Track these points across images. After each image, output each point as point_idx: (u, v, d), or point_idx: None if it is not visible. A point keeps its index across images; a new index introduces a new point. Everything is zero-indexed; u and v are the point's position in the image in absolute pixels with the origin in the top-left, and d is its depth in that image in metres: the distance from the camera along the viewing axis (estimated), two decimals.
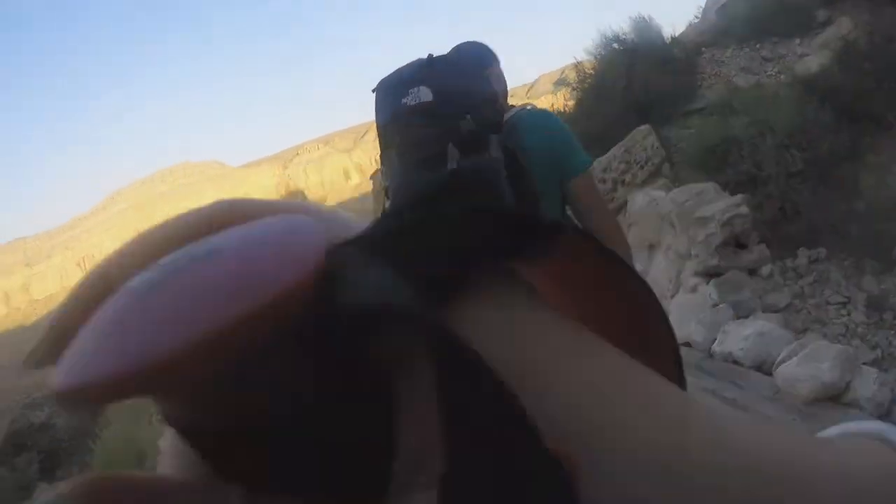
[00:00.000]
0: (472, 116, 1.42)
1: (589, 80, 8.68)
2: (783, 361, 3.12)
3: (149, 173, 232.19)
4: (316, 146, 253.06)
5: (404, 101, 1.46)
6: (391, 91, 1.50)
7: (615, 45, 8.45)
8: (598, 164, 5.75)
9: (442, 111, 1.43)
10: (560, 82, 12.86)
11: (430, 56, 1.52)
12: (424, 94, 1.44)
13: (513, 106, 1.70)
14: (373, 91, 1.55)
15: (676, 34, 9.07)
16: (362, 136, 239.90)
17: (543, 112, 1.80)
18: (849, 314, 4.06)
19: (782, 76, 7.04)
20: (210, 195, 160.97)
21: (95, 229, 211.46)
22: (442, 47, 1.78)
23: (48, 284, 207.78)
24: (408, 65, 1.52)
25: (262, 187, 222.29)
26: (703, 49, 8.27)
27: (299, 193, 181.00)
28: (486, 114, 1.44)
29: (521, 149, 1.49)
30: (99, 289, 0.17)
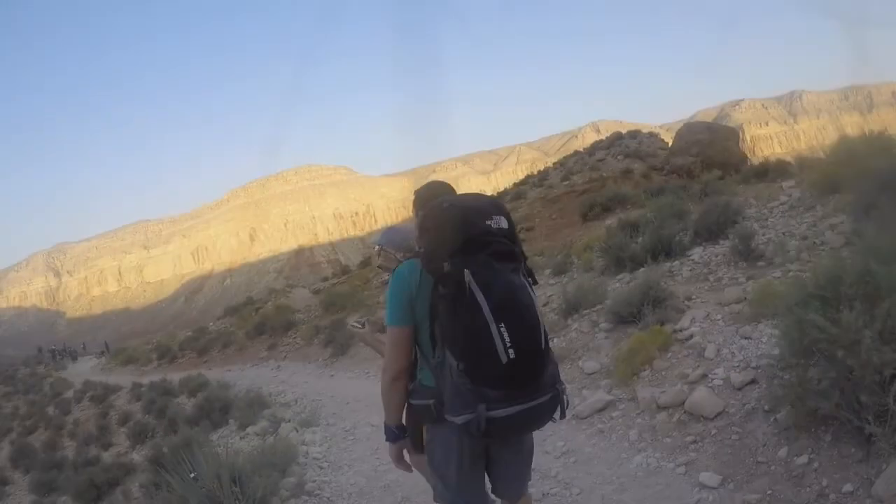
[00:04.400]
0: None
1: None
2: None
3: (277, 171, 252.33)
4: (454, 165, 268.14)
5: (489, 223, 2.54)
6: (473, 213, 2.55)
7: None
8: None
9: (512, 236, 2.63)
10: None
11: (495, 196, 4.96)
12: (504, 222, 2.60)
13: None
14: (423, 197, 3.12)
15: None
16: (504, 160, 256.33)
17: None
18: None
19: None
20: (330, 200, 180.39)
21: (213, 221, 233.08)
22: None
23: (161, 269, 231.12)
24: (479, 197, 2.76)
25: (388, 199, 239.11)
26: None
27: None
28: None
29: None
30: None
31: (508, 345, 2.37)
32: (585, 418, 6.18)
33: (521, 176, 78.58)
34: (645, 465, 4.96)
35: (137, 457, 12.97)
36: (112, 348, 47.62)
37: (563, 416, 2.69)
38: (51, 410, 27.39)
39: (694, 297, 7.69)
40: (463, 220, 2.51)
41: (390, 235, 3.60)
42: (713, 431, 4.87)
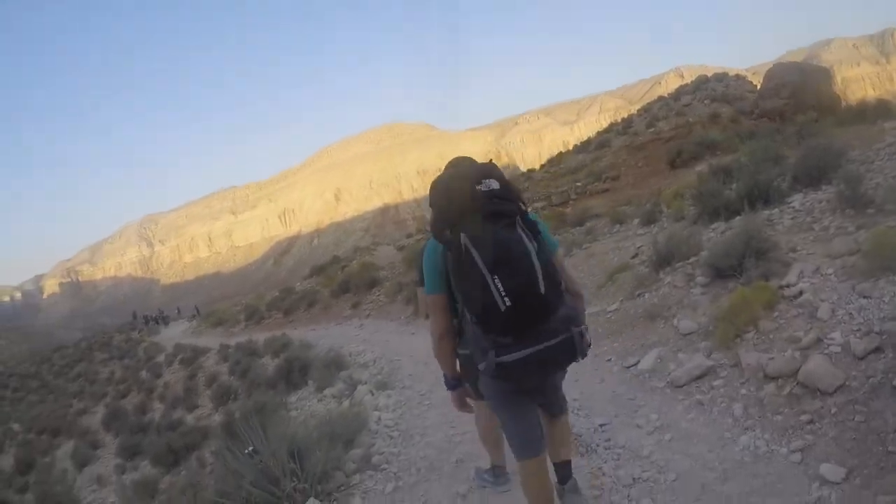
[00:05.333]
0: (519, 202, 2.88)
1: None
2: None
3: (359, 132, 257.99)
4: (536, 116, 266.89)
5: (478, 188, 2.79)
6: (460, 181, 2.86)
7: None
8: None
9: (505, 194, 2.84)
10: None
11: (491, 161, 3.08)
12: (494, 184, 2.83)
13: None
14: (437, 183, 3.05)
15: None
16: (586, 109, 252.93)
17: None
18: None
19: None
20: (413, 157, 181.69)
21: (298, 184, 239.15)
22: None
23: (249, 233, 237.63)
24: (472, 165, 3.12)
25: (471, 153, 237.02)
26: None
27: (512, 166, 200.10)
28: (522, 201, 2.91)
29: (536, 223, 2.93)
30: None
31: (503, 294, 2.65)
32: (682, 387, 5.36)
33: (604, 125, 76.81)
34: (752, 449, 4.14)
35: (218, 419, 12.77)
36: (203, 311, 48.91)
37: (583, 355, 2.91)
38: (143, 374, 28.15)
39: (798, 248, 6.69)
40: (451, 189, 2.89)
41: None
42: (832, 410, 4.00)
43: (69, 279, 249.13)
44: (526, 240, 2.77)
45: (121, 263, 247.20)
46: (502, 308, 2.65)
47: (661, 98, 51.75)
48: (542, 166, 44.63)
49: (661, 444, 4.65)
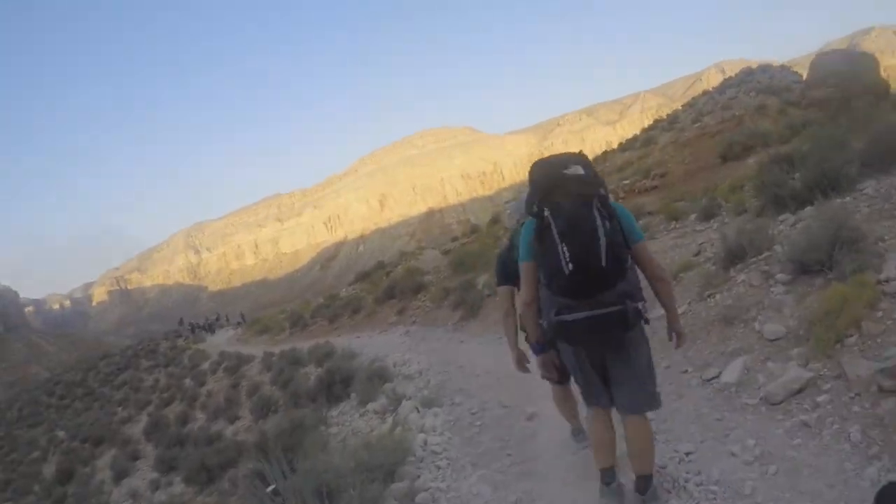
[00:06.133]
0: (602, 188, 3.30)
1: None
2: None
3: (402, 137, 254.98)
4: (578, 117, 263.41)
5: (565, 171, 3.31)
6: (550, 167, 3.42)
7: None
8: None
9: (587, 178, 3.31)
10: None
11: (581, 153, 3.64)
12: (579, 170, 3.32)
13: None
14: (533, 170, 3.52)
15: None
16: (628, 108, 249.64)
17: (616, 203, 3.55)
18: None
19: None
20: (457, 161, 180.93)
21: (343, 190, 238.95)
22: None
23: (295, 239, 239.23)
24: (564, 154, 3.50)
25: (514, 156, 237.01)
26: None
27: None
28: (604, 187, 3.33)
29: (615, 210, 3.36)
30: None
31: (568, 259, 3.15)
32: (779, 404, 4.53)
33: (647, 123, 75.25)
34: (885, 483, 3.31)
35: (254, 436, 12.21)
36: (249, 318, 48.50)
37: (630, 327, 3.34)
38: (187, 382, 28.06)
39: (886, 237, 5.84)
40: (542, 173, 3.46)
41: (514, 206, 4.74)
42: None
43: (118, 287, 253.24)
44: (598, 218, 3.18)
45: (169, 271, 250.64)
46: (566, 272, 3.14)
47: (705, 93, 50.58)
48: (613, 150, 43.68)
49: (765, 479, 3.85)
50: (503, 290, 4.66)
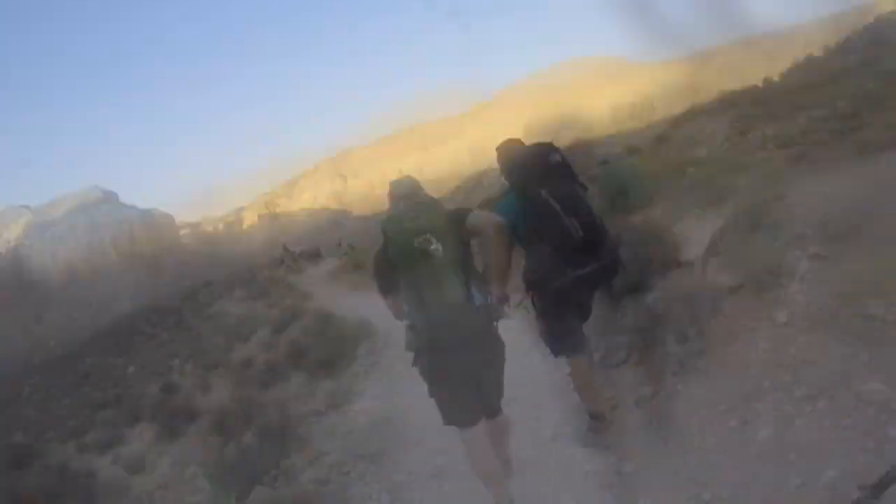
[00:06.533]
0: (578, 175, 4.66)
1: None
2: None
3: (545, 66, 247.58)
4: (736, 49, 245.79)
5: (549, 158, 4.52)
6: (539, 156, 4.57)
7: None
8: None
9: (566, 164, 4.59)
10: None
11: (552, 143, 4.80)
12: (558, 157, 4.56)
13: None
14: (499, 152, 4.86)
15: None
16: (792, 41, 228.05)
17: None
18: None
19: None
20: (608, 91, 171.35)
21: (488, 120, 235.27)
22: None
23: (440, 168, 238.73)
24: (541, 145, 4.73)
25: (668, 87, 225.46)
26: None
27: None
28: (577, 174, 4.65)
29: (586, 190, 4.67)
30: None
31: (578, 228, 4.23)
32: None
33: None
34: None
35: None
36: (357, 249, 42.42)
37: (624, 269, 4.86)
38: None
39: None
40: (530, 161, 4.55)
41: (391, 189, 4.25)
42: None
43: (267, 211, 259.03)
44: (583, 193, 4.54)
45: (316, 196, 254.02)
46: (577, 237, 4.25)
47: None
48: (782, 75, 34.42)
49: None
50: (388, 304, 4.03)
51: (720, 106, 20.09)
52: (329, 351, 10.67)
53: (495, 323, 3.84)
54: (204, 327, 31.63)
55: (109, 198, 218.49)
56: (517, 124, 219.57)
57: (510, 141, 4.91)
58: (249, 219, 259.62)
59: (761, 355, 4.52)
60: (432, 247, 3.47)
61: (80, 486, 11.73)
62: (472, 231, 3.67)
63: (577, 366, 4.77)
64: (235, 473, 6.74)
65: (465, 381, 3.76)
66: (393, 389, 7.46)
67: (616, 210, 11.99)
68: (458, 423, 3.88)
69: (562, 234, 4.20)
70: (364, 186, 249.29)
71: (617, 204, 12.16)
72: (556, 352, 4.84)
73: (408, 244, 3.50)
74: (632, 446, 4.72)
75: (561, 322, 4.66)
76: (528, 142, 4.87)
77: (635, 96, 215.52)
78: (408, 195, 3.95)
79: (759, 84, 27.74)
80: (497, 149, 4.83)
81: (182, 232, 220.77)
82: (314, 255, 40.34)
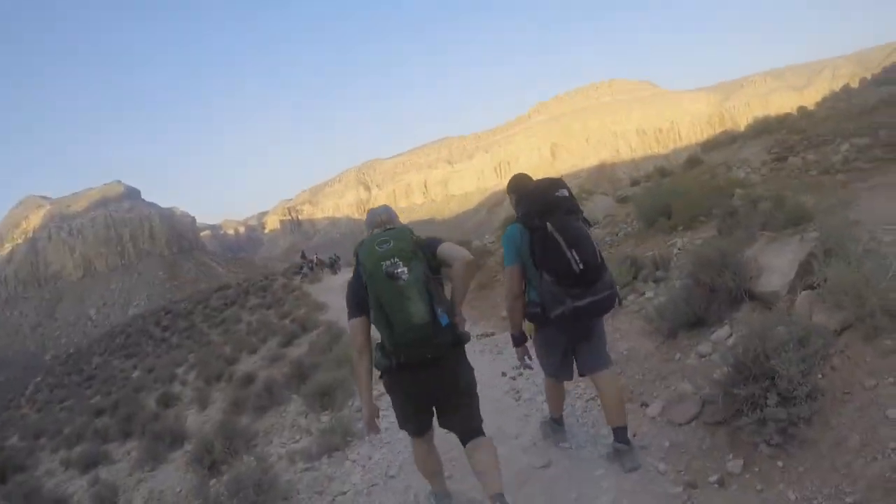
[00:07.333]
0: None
1: None
2: None
3: (575, 87, 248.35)
4: (763, 79, 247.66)
5: (557, 194, 4.43)
6: (547, 191, 4.47)
7: None
8: None
9: (572, 199, 4.49)
10: None
11: (560, 178, 4.80)
12: (565, 192, 4.48)
13: None
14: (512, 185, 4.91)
15: None
16: (818, 74, 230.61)
17: None
18: None
19: None
20: (633, 115, 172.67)
21: (515, 137, 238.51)
22: None
23: (465, 182, 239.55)
24: (550, 180, 4.63)
25: (693, 115, 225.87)
26: None
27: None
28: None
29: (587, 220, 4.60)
30: None
31: (578, 261, 4.21)
32: None
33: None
34: None
35: None
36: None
37: (620, 304, 4.89)
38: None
39: None
40: (538, 194, 4.48)
41: (368, 217, 4.46)
42: None
43: (289, 217, 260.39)
44: (586, 228, 4.45)
45: (339, 205, 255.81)
46: (577, 270, 4.22)
47: None
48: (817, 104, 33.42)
49: None
50: (356, 323, 3.95)
51: (753, 132, 20.12)
52: (332, 375, 9.80)
53: (463, 345, 4.05)
54: (213, 334, 30.98)
55: (131, 194, 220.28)
56: (543, 143, 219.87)
57: (520, 175, 5.09)
58: (271, 223, 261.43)
59: (891, 424, 3.50)
60: (398, 270, 3.62)
61: None
62: (442, 261, 3.86)
63: (551, 385, 5.21)
64: None
65: (425, 395, 4.02)
66: (395, 434, 6.38)
67: (656, 230, 11.23)
68: (410, 431, 4.33)
69: (564, 266, 4.27)
70: (387, 197, 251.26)
71: (657, 224, 11.29)
72: (546, 373, 5.12)
73: (376, 267, 3.62)
74: None
75: (553, 348, 4.87)
76: (544, 168, 4.41)
77: (662, 121, 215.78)
78: (383, 222, 4.20)
79: (794, 112, 27.50)
80: (509, 181, 5.04)
81: (203, 234, 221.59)
82: (333, 264, 39.28)
